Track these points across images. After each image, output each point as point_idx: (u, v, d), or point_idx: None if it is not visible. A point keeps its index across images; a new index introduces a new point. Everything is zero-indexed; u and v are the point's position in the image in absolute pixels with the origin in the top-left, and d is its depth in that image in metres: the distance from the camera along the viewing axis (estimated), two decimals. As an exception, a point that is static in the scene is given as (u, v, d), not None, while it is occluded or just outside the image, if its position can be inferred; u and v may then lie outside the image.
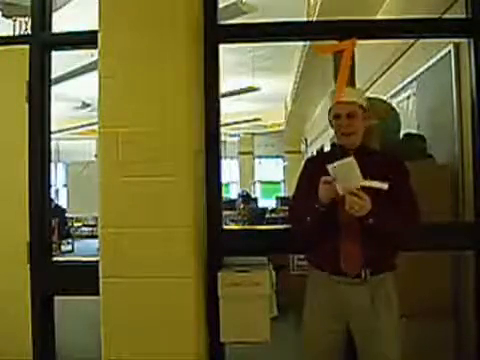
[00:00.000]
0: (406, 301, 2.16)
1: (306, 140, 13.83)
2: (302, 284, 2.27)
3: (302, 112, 11.28)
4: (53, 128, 2.86)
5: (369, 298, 2.05)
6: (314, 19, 4.98)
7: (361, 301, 2.05)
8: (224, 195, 10.36)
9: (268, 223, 7.55)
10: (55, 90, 2.96)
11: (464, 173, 2.99)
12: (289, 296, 3.24)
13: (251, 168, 17.48)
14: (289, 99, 10.90)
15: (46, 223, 2.76)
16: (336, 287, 2.09)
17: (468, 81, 2.81)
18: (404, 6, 4.22)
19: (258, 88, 9.91)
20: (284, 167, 17.14)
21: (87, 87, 6.60)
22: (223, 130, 5.95)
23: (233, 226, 7.87)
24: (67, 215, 9.22)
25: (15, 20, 4.78)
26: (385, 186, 1.94)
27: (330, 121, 2.20)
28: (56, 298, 2.76)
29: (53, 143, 2.94)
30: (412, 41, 3.73)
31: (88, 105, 11.23)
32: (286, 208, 9.94)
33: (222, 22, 2.86)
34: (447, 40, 3.14)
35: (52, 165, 2.91)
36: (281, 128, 14.67)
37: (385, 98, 4.15)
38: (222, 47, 2.74)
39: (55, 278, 2.70)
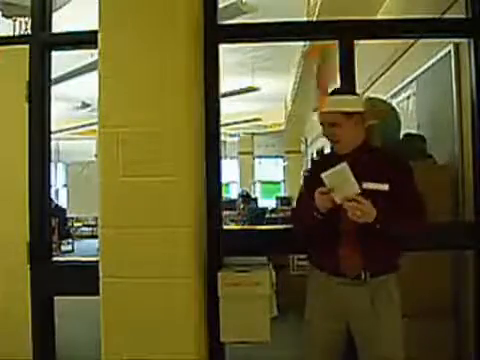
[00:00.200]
0: (406, 301, 2.15)
1: (306, 140, 13.82)
2: (302, 284, 2.28)
3: (302, 112, 11.27)
4: (53, 128, 2.87)
5: (369, 299, 2.04)
6: (314, 19, 4.98)
7: (361, 302, 2.05)
8: (224, 195, 10.37)
9: (268, 223, 7.53)
10: (55, 90, 2.96)
11: (464, 173, 2.99)
12: (289, 296, 3.25)
13: (251, 168, 17.48)
14: (289, 99, 10.90)
15: (46, 223, 2.76)
16: (336, 288, 2.10)
17: (468, 81, 2.81)
18: (404, 6, 4.22)
19: (258, 88, 9.91)
20: (284, 167, 17.14)
21: (87, 87, 6.60)
22: (223, 130, 5.96)
23: (233, 226, 7.87)
24: (67, 215, 9.20)
25: (15, 20, 4.77)
26: (385, 187, 1.94)
27: None
28: (56, 298, 2.76)
29: (53, 143, 2.94)
30: (412, 41, 3.73)
31: (88, 105, 11.23)
32: (286, 208, 9.96)
33: (222, 22, 2.86)
34: (447, 40, 3.14)
35: (52, 165, 2.92)
36: (281, 128, 14.66)
37: (385, 98, 4.14)
38: (222, 47, 2.74)
39: (55, 278, 2.70)
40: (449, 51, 3.17)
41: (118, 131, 2.30)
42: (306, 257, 2.37)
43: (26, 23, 4.46)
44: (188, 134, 2.33)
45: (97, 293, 2.29)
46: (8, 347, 2.59)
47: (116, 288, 2.28)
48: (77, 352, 3.33)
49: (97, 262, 2.31)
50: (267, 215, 8.97)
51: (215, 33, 2.71)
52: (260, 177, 17.70)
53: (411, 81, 3.95)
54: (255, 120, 13.53)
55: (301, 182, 2.39)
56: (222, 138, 2.88)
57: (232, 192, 16.52)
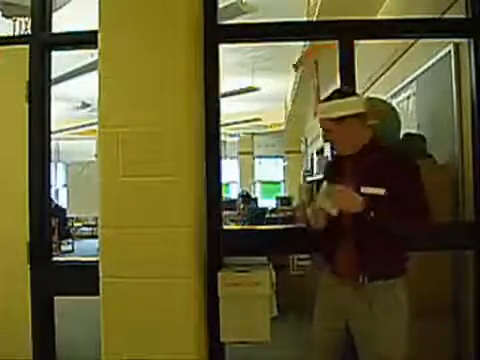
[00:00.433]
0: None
1: (306, 140, 13.80)
2: (302, 284, 2.29)
3: (302, 112, 11.26)
4: (53, 128, 2.86)
5: (367, 302, 2.03)
6: (314, 19, 4.97)
7: (358, 304, 2.05)
8: (224, 195, 10.37)
9: (268, 223, 7.52)
10: (55, 90, 2.96)
11: (464, 173, 2.99)
12: (289, 296, 3.24)
13: (251, 168, 17.47)
14: (289, 99, 10.90)
15: (46, 223, 2.76)
16: (336, 287, 2.12)
17: (468, 81, 2.82)
18: (404, 6, 4.22)
19: (258, 88, 9.90)
20: (284, 167, 17.12)
21: (87, 87, 6.60)
22: (223, 130, 5.95)
23: (233, 226, 7.86)
24: (67, 215, 9.20)
25: (15, 20, 4.77)
26: (381, 192, 1.96)
27: None
28: (56, 298, 2.76)
29: (53, 143, 2.94)
30: (412, 41, 3.73)
31: (88, 105, 11.22)
32: (286, 208, 9.96)
33: (222, 22, 2.86)
34: (447, 40, 3.14)
35: (52, 165, 2.91)
36: (281, 128, 14.65)
37: (385, 98, 4.14)
38: (222, 47, 2.74)
39: (55, 278, 2.70)
40: (449, 51, 3.17)
41: (118, 131, 2.30)
42: (310, 257, 2.39)
43: (26, 23, 4.46)
44: (188, 134, 2.33)
45: (97, 293, 2.29)
46: (8, 347, 2.59)
47: (116, 288, 2.28)
48: (77, 352, 3.32)
49: (97, 262, 2.31)
50: (267, 215, 8.95)
51: (215, 33, 2.71)
52: (260, 177, 17.69)
53: (411, 81, 3.94)
54: (255, 120, 13.52)
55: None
56: (222, 138, 2.88)
57: (232, 192, 16.51)
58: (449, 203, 3.00)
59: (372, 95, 4.39)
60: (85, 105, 11.31)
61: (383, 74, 4.77)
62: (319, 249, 2.24)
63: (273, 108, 12.84)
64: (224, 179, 3.00)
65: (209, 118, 2.69)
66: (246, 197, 10.28)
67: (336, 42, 2.75)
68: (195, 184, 2.41)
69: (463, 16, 2.78)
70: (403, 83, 4.13)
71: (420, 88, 3.79)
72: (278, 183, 17.46)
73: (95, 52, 2.39)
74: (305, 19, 5.51)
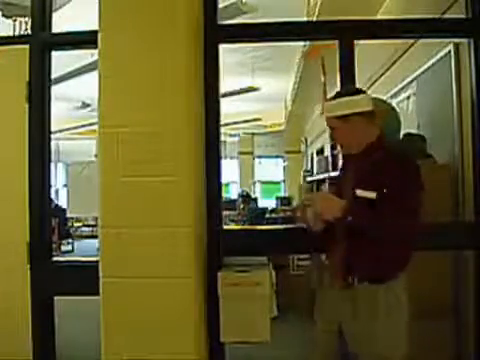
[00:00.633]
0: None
1: (306, 140, 13.81)
2: (302, 284, 2.29)
3: (302, 112, 11.27)
4: (53, 128, 2.87)
5: (355, 305, 2.01)
6: (314, 19, 4.98)
7: (347, 306, 2.04)
8: (224, 195, 10.36)
9: (268, 223, 7.52)
10: (55, 90, 2.96)
11: (464, 173, 2.99)
12: (289, 296, 3.25)
13: (251, 168, 17.48)
14: (289, 99, 10.90)
15: (46, 223, 2.76)
16: (330, 289, 2.14)
17: (468, 81, 2.81)
18: (404, 6, 4.22)
19: (258, 88, 9.90)
20: (284, 167, 17.12)
21: (87, 87, 6.60)
22: (223, 130, 5.95)
23: (233, 226, 7.86)
24: (67, 215, 9.21)
25: (15, 20, 4.77)
26: (372, 195, 1.97)
27: None
28: (56, 298, 2.76)
29: (53, 143, 2.94)
30: (412, 41, 3.73)
31: (88, 105, 11.23)
32: (286, 208, 9.96)
33: (222, 22, 2.86)
34: (447, 40, 3.14)
35: (52, 165, 2.91)
36: (281, 128, 14.66)
37: (385, 98, 4.14)
38: (222, 47, 2.74)
39: (55, 278, 2.70)
40: (449, 51, 3.17)
41: (118, 131, 2.30)
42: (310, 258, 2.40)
43: (26, 23, 4.46)
44: (188, 134, 2.33)
45: (97, 293, 2.29)
46: (8, 347, 2.59)
47: (116, 288, 2.28)
48: (77, 352, 3.33)
49: (97, 262, 2.31)
50: (267, 215, 8.96)
51: (215, 33, 2.71)
52: (260, 177, 17.70)
53: (411, 81, 3.94)
54: (255, 120, 13.53)
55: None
56: (222, 138, 2.88)
57: (232, 192, 16.51)
58: (449, 203, 3.00)
59: (372, 95, 4.38)
60: (85, 105, 11.31)
61: (383, 74, 4.77)
62: (318, 250, 2.26)
63: (273, 108, 12.84)
64: (224, 179, 3.00)
65: (209, 118, 2.69)
66: (246, 197, 10.28)
67: (336, 42, 2.75)
68: (195, 184, 2.41)
69: (463, 16, 2.78)
70: (403, 83, 4.13)
71: (420, 88, 3.79)
72: (278, 183, 17.47)
73: (95, 52, 2.39)
74: (305, 19, 5.51)
